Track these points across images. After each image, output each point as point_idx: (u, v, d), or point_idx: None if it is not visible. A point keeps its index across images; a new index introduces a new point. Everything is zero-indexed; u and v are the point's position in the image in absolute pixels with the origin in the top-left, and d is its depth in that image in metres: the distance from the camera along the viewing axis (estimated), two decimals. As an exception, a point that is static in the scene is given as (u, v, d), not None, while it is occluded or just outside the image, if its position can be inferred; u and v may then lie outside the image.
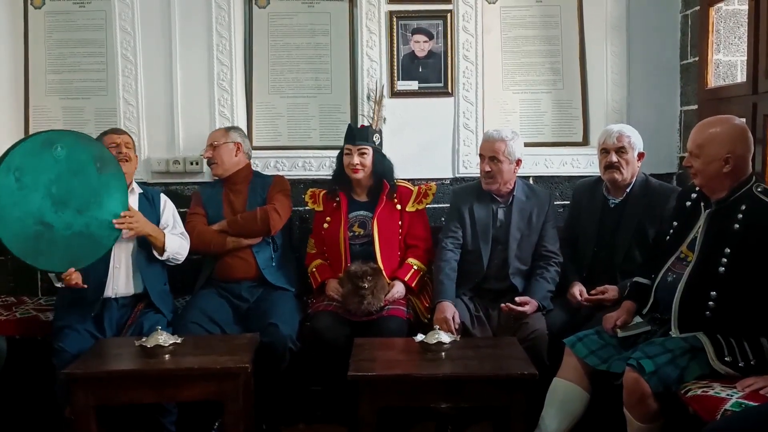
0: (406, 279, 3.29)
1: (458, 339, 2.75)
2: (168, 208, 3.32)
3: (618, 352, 2.63)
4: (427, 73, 3.84)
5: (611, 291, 3.09)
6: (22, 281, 3.78)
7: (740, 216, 2.42)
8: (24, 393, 3.36)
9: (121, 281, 3.12)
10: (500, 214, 3.29)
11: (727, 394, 2.23)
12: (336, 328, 3.11)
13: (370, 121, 3.65)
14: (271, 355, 3.01)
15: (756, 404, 2.14)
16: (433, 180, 3.74)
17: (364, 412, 2.53)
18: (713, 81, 3.48)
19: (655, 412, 2.39)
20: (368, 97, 3.76)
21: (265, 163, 3.80)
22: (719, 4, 3.44)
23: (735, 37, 3.47)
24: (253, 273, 3.37)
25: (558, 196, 3.75)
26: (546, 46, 3.91)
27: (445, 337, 2.66)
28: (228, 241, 3.36)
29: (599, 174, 3.29)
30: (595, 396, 2.69)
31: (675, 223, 2.70)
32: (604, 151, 3.19)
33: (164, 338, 2.65)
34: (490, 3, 3.88)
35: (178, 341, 2.68)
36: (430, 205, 3.50)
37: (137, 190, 3.26)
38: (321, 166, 3.81)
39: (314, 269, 3.41)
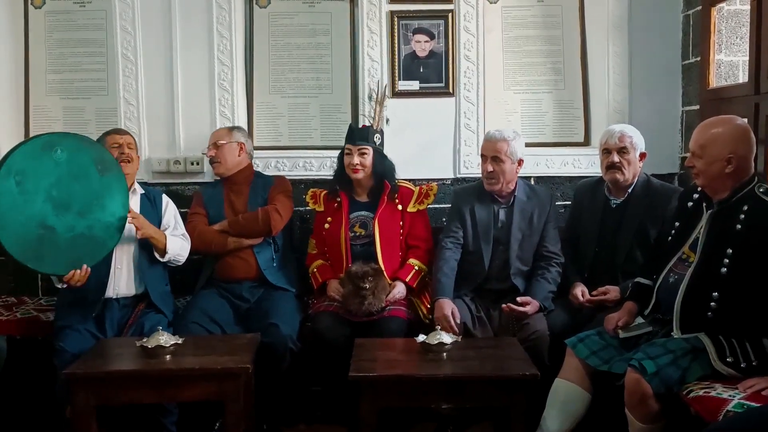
0: (407, 279, 3.29)
1: (459, 339, 2.74)
2: (170, 209, 3.31)
3: (619, 353, 2.63)
4: (428, 73, 3.83)
5: (613, 292, 3.09)
6: (22, 281, 3.78)
7: (742, 216, 2.42)
8: (24, 393, 3.35)
9: (122, 282, 3.12)
10: (501, 214, 3.29)
11: (729, 395, 2.23)
12: (337, 329, 3.10)
13: (371, 121, 3.64)
14: (271, 356, 3.00)
15: (758, 405, 2.13)
16: (434, 180, 3.73)
17: (364, 412, 2.53)
18: (715, 81, 3.47)
19: (657, 412, 2.38)
20: (370, 98, 3.75)
21: (265, 163, 3.79)
22: (721, 4, 3.43)
23: (737, 37, 3.45)
24: (254, 273, 3.37)
25: (559, 197, 3.75)
26: (547, 46, 3.90)
27: (447, 338, 2.66)
28: (229, 241, 3.36)
29: (600, 174, 3.29)
30: (596, 397, 2.69)
31: (677, 224, 2.69)
32: (606, 151, 3.19)
33: (165, 338, 2.65)
34: (491, 3, 3.87)
35: (179, 341, 2.68)
36: (431, 206, 3.50)
37: (139, 190, 3.26)
38: (322, 166, 3.80)
39: (315, 269, 3.41)
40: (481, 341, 2.99)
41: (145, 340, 2.67)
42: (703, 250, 2.50)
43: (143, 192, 3.27)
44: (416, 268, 3.33)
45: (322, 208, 3.48)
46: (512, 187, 3.28)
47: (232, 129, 3.56)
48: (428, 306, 3.29)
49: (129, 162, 3.18)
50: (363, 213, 3.41)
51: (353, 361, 2.62)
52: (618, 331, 2.70)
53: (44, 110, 3.87)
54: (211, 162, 3.48)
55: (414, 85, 3.83)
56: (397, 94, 3.81)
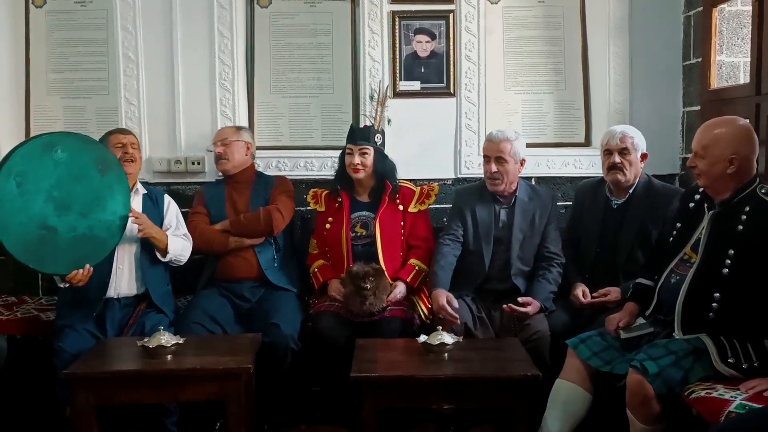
0: (408, 280, 3.28)
1: (461, 340, 2.74)
2: (171, 209, 3.31)
3: (621, 354, 2.62)
4: (429, 73, 3.83)
5: (613, 293, 3.08)
6: (23, 281, 3.77)
7: (744, 217, 2.42)
8: (24, 393, 3.35)
9: (123, 282, 3.12)
10: (503, 214, 3.29)
11: (731, 396, 2.22)
12: (338, 329, 3.10)
13: (372, 121, 3.64)
14: (272, 356, 3.00)
15: (760, 406, 2.13)
16: (435, 180, 3.73)
17: (366, 413, 2.53)
18: (716, 82, 3.47)
19: (659, 414, 2.38)
20: (371, 98, 3.75)
21: (266, 163, 3.79)
22: (722, 5, 3.43)
23: (738, 38, 3.45)
24: (255, 273, 3.37)
25: (560, 197, 3.74)
26: (548, 47, 3.90)
27: (448, 338, 2.66)
28: (230, 240, 3.36)
29: (601, 175, 3.29)
30: (597, 397, 2.68)
31: (678, 225, 2.69)
32: (607, 152, 3.19)
33: (166, 338, 2.65)
34: (492, 3, 3.87)
35: (180, 341, 2.68)
36: (432, 206, 3.49)
37: (141, 190, 3.25)
38: (323, 166, 3.80)
39: (316, 270, 3.41)
40: (483, 342, 2.99)
41: (146, 339, 2.67)
42: (705, 251, 2.50)
43: (145, 192, 3.27)
44: (417, 268, 3.32)
45: (323, 208, 3.47)
46: (514, 188, 3.28)
47: (240, 128, 3.58)
48: (429, 306, 3.29)
49: (132, 162, 3.18)
50: (364, 213, 3.41)
51: (354, 361, 2.62)
52: (619, 332, 2.70)
53: (45, 110, 3.87)
54: (218, 159, 3.48)
55: (415, 85, 3.83)
56: (398, 94, 3.80)
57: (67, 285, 2.93)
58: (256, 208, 3.40)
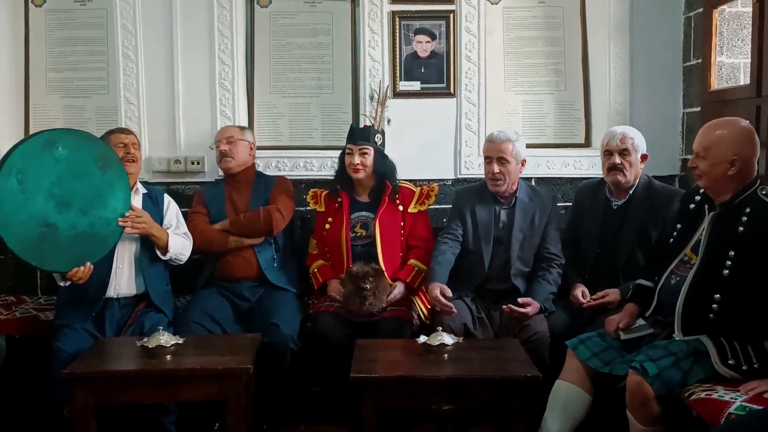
0: (407, 280, 3.28)
1: (461, 340, 2.74)
2: (171, 208, 3.31)
3: (620, 355, 2.62)
4: (430, 73, 3.83)
5: (611, 294, 3.08)
6: (21, 280, 3.77)
7: (745, 219, 2.42)
8: (23, 392, 3.34)
9: (123, 281, 3.11)
10: (503, 215, 3.29)
11: (731, 398, 2.22)
12: (337, 329, 3.10)
13: (372, 122, 3.64)
14: (272, 356, 3.00)
15: (760, 408, 2.13)
16: (434, 181, 3.73)
17: (366, 413, 2.53)
18: (716, 83, 3.47)
19: (658, 415, 2.38)
20: (371, 98, 3.75)
21: (266, 163, 3.78)
22: (723, 6, 3.42)
23: (738, 39, 3.45)
24: (255, 273, 3.36)
25: (560, 198, 3.74)
26: (548, 48, 3.90)
27: (448, 339, 2.65)
28: (230, 240, 3.36)
29: (602, 176, 3.29)
30: (597, 398, 2.68)
31: (678, 226, 2.69)
32: (608, 152, 3.18)
33: (166, 338, 2.64)
34: (492, 4, 3.87)
35: (180, 341, 2.67)
36: (432, 206, 3.49)
37: (141, 190, 3.25)
38: (322, 166, 3.80)
39: (316, 270, 3.40)
40: (482, 342, 2.99)
41: (145, 339, 2.66)
42: (705, 252, 2.50)
43: (145, 191, 3.26)
44: (417, 268, 3.32)
45: (322, 209, 3.47)
46: (515, 188, 3.28)
47: (243, 128, 3.59)
48: (428, 307, 3.30)
49: (134, 162, 3.18)
50: (364, 213, 3.41)
51: (354, 361, 2.62)
52: (619, 333, 2.70)
53: (44, 109, 3.86)
54: (222, 157, 3.47)
55: (415, 85, 3.82)
56: (398, 94, 3.80)
57: (67, 283, 2.93)
58: (256, 208, 3.40)
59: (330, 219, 3.41)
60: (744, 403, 2.18)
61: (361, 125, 3.58)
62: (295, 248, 3.62)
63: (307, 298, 3.46)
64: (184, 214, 3.42)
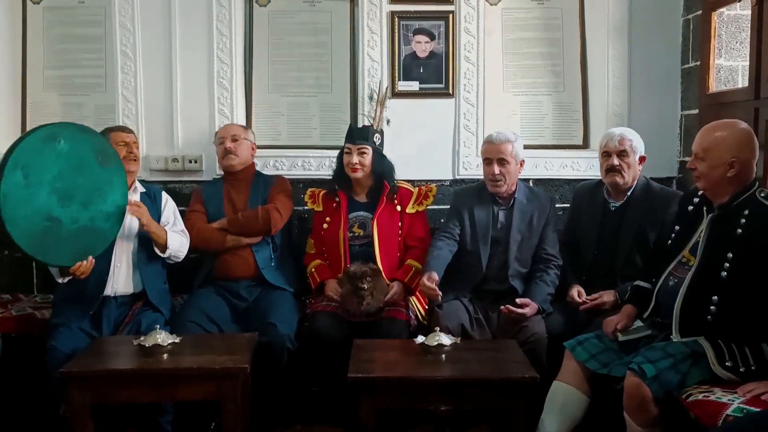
0: (405, 280, 3.27)
1: (458, 341, 2.73)
2: (169, 206, 3.31)
3: (618, 357, 2.62)
4: (428, 73, 3.83)
5: (606, 296, 3.09)
6: (18, 278, 3.75)
7: (743, 221, 2.42)
8: (19, 391, 3.33)
9: (121, 279, 3.11)
10: (501, 216, 3.29)
11: (729, 399, 2.22)
12: (335, 329, 3.10)
13: (371, 121, 3.63)
14: (269, 355, 2.99)
15: (758, 410, 2.13)
16: (433, 181, 3.73)
17: (363, 413, 2.52)
18: (715, 86, 3.48)
19: (656, 417, 2.38)
20: (371, 98, 3.74)
21: (264, 162, 3.78)
22: (721, 9, 3.43)
23: (737, 42, 3.46)
24: (252, 272, 3.36)
25: (558, 199, 3.74)
26: (547, 49, 3.90)
27: (446, 339, 2.65)
28: (228, 239, 3.35)
29: (599, 177, 3.29)
30: (594, 400, 2.68)
31: (677, 227, 2.69)
32: (606, 154, 3.19)
33: (163, 337, 2.64)
34: (491, 4, 3.87)
35: (177, 340, 2.67)
36: (430, 207, 3.49)
37: (140, 188, 3.25)
38: (321, 165, 3.79)
39: (313, 269, 3.40)
40: (480, 343, 2.99)
41: (142, 338, 2.66)
42: (704, 254, 2.50)
43: (144, 190, 3.26)
44: (414, 268, 3.31)
45: (320, 208, 3.47)
46: (514, 189, 3.28)
47: (246, 128, 3.60)
48: (426, 307, 3.29)
49: (135, 161, 3.19)
50: (362, 213, 3.40)
51: (352, 361, 2.62)
52: (617, 334, 2.70)
53: (42, 106, 3.85)
54: (226, 154, 3.46)
55: (414, 85, 3.82)
56: (396, 94, 3.80)
57: (66, 280, 2.93)
58: (254, 207, 3.39)
59: (328, 219, 3.41)
60: (741, 405, 2.18)
61: (360, 125, 3.58)
62: (293, 248, 3.62)
63: (304, 298, 3.45)
64: (182, 213, 3.41)
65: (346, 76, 3.88)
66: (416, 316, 3.25)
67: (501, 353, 2.77)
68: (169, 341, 2.64)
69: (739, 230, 2.41)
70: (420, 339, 2.69)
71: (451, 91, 3.81)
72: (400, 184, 3.47)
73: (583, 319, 3.08)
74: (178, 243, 3.19)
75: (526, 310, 3.06)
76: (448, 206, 3.48)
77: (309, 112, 3.91)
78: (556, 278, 3.24)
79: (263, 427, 3.11)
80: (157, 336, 2.64)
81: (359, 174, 3.35)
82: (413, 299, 3.31)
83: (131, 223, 3.05)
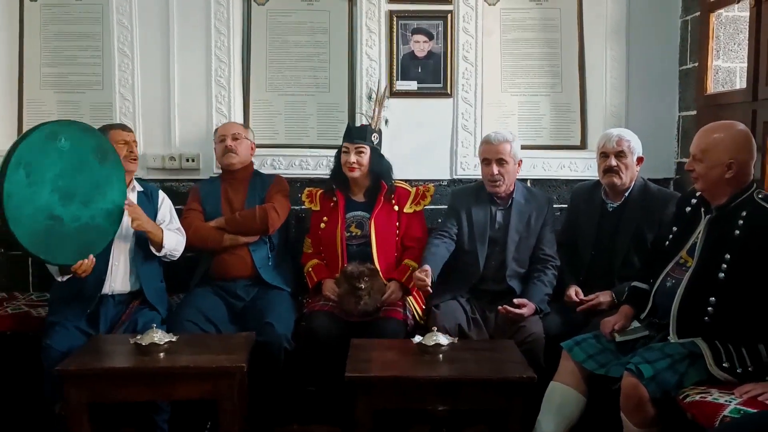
0: (403, 280, 3.27)
1: (456, 341, 2.73)
2: (165, 204, 3.31)
3: (616, 357, 2.63)
4: (426, 73, 3.83)
5: (603, 296, 3.09)
6: (13, 277, 3.75)
7: (741, 222, 2.42)
8: (15, 389, 3.31)
9: (118, 278, 3.10)
10: (499, 216, 3.29)
11: (726, 400, 2.22)
12: (332, 328, 3.09)
13: (369, 121, 3.63)
14: (266, 355, 2.98)
15: (754, 411, 2.14)
16: (430, 181, 3.73)
17: (360, 413, 2.52)
18: (712, 87, 3.48)
19: (653, 417, 2.38)
20: (369, 97, 3.74)
21: (261, 162, 3.77)
22: (719, 11, 3.44)
23: (734, 44, 3.47)
24: (249, 272, 3.35)
25: (555, 200, 3.73)
26: (545, 49, 3.90)
27: (443, 339, 2.65)
28: (225, 238, 3.34)
29: (597, 178, 3.29)
30: (591, 400, 2.68)
31: (674, 229, 2.69)
32: (604, 154, 3.19)
33: (159, 336, 2.63)
34: (490, 5, 3.86)
35: (173, 339, 2.66)
36: (427, 207, 3.48)
37: (138, 188, 3.24)
38: (318, 165, 3.79)
39: (310, 269, 3.39)
40: (478, 343, 2.99)
41: (139, 337, 2.65)
42: (701, 255, 2.50)
43: (141, 189, 3.25)
44: (412, 268, 3.30)
45: (318, 208, 3.46)
46: (512, 189, 3.28)
47: (246, 127, 3.60)
48: (423, 307, 3.29)
49: (135, 160, 3.20)
50: (359, 213, 3.40)
51: (349, 361, 2.61)
52: (614, 335, 2.70)
53: (38, 104, 3.84)
54: (226, 152, 3.44)
55: (412, 85, 3.82)
56: (394, 94, 3.79)
57: (65, 278, 2.92)
58: (251, 206, 3.39)
59: (325, 218, 3.40)
60: (738, 406, 2.18)
61: (358, 124, 3.57)
62: (290, 247, 3.61)
63: (301, 298, 3.45)
64: (179, 212, 3.40)
65: (344, 76, 3.87)
66: (413, 315, 3.24)
67: (498, 353, 2.77)
68: (166, 340, 2.63)
69: (737, 232, 2.42)
70: (417, 339, 2.69)
71: (449, 91, 3.81)
72: (398, 184, 3.47)
73: (580, 320, 3.08)
74: (174, 242, 3.19)
75: (524, 311, 3.06)
76: (446, 206, 3.48)
77: (307, 112, 3.90)
78: (554, 278, 3.24)
79: (260, 426, 3.10)
80: (154, 335, 2.63)
81: (356, 173, 3.35)
82: (410, 299, 3.30)
83: (129, 221, 3.04)
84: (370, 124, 3.52)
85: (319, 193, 3.49)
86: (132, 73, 3.74)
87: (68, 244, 2.80)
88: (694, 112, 3.60)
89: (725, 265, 2.41)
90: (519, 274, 3.26)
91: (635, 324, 2.72)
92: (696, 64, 3.58)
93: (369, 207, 3.39)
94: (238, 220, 3.35)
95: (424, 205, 3.45)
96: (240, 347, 2.75)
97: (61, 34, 3.83)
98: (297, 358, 3.13)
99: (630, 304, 2.78)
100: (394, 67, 3.79)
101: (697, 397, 2.29)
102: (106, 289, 3.07)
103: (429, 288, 2.99)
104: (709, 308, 2.43)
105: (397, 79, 3.80)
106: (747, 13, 3.19)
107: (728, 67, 3.49)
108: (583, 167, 3.80)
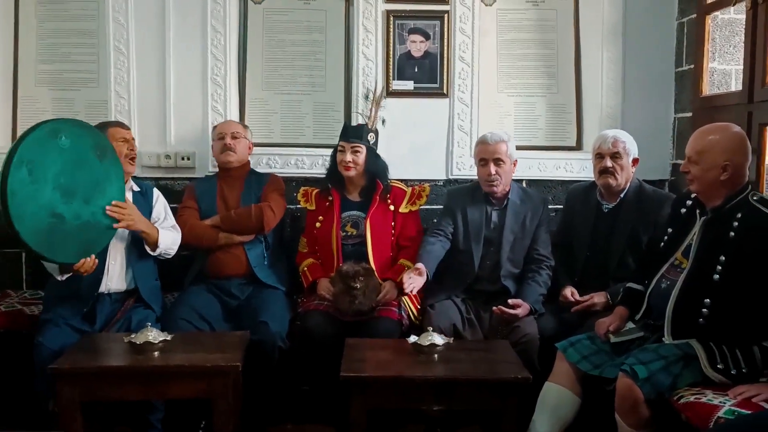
0: (398, 280, 3.26)
1: (451, 341, 2.73)
2: (160, 202, 3.30)
3: (610, 358, 2.63)
4: (423, 73, 3.82)
5: (597, 297, 3.09)
6: (6, 275, 3.73)
7: (736, 224, 2.43)
8: (8, 386, 3.30)
9: (115, 277, 3.09)
10: (494, 216, 3.29)
11: (720, 402, 2.23)
12: (326, 328, 3.09)
13: (366, 120, 3.62)
14: (260, 354, 2.98)
15: (748, 412, 2.14)
16: (426, 181, 3.73)
17: (355, 412, 2.51)
18: (708, 89, 3.50)
19: (647, 418, 2.38)
20: (366, 97, 3.74)
21: (257, 160, 3.76)
22: (715, 13, 3.45)
23: (730, 46, 3.48)
24: (244, 270, 3.35)
25: (551, 200, 3.74)
26: (542, 50, 3.90)
27: (438, 339, 2.65)
28: (220, 236, 3.34)
29: (593, 179, 3.30)
30: (586, 401, 2.68)
31: (669, 230, 2.70)
32: (599, 155, 3.19)
33: (154, 335, 2.62)
34: (487, 5, 3.86)
35: (168, 338, 2.65)
36: (423, 207, 3.49)
37: (134, 188, 3.23)
38: (314, 164, 3.78)
39: (305, 268, 3.39)
40: (473, 343, 2.99)
41: (133, 336, 2.64)
42: (696, 257, 2.51)
43: (137, 189, 3.24)
44: (407, 268, 3.30)
45: (313, 207, 3.46)
46: (508, 189, 3.28)
47: (245, 127, 3.59)
48: (418, 307, 3.29)
49: (134, 159, 3.19)
50: (355, 212, 3.40)
51: (344, 361, 2.61)
52: (609, 336, 2.70)
53: (33, 101, 3.82)
54: (224, 150, 3.44)
55: (408, 85, 3.82)
56: (391, 93, 3.79)
57: (65, 277, 2.91)
58: (247, 205, 3.38)
59: (320, 217, 3.40)
60: (733, 408, 2.18)
61: (354, 123, 3.57)
62: (285, 246, 3.61)
63: (296, 297, 3.44)
64: (174, 210, 3.39)
65: (340, 75, 3.86)
66: (408, 315, 3.23)
67: (493, 354, 2.77)
68: (161, 338, 2.62)
69: (732, 233, 2.42)
70: (412, 338, 2.68)
71: (445, 91, 3.81)
72: (394, 184, 3.47)
73: (575, 321, 3.08)
74: (170, 240, 3.18)
75: (518, 311, 3.07)
76: (442, 206, 3.48)
77: (302, 111, 3.89)
78: (548, 279, 3.24)
79: (254, 425, 3.10)
80: (148, 333, 2.62)
81: (352, 172, 3.35)
82: (405, 299, 3.29)
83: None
84: (366, 124, 3.52)
85: (314, 193, 3.49)
86: (128, 70, 3.73)
87: (70, 242, 2.78)
88: (689, 114, 3.61)
89: (720, 267, 2.42)
90: (514, 275, 3.27)
91: (630, 325, 2.73)
92: (692, 66, 3.59)
93: (364, 206, 3.39)
94: (234, 218, 3.35)
95: (420, 205, 3.46)
96: (235, 346, 2.74)
97: (56, 31, 3.81)
98: (291, 358, 3.13)
99: (625, 305, 2.78)
100: (391, 67, 3.79)
101: (692, 399, 2.30)
102: (103, 288, 3.05)
103: (412, 288, 2.96)
104: (704, 310, 2.43)
105: (394, 79, 3.79)
106: (743, 16, 3.20)
107: (724, 69, 3.50)
108: (578, 168, 3.81)
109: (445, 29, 3.79)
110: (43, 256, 2.75)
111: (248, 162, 3.57)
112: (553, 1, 3.86)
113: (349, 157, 3.32)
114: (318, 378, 3.11)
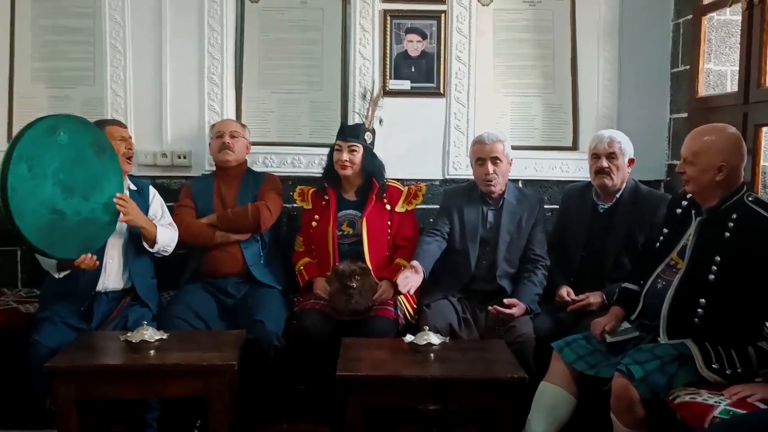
0: (394, 279, 3.26)
1: (447, 340, 2.73)
2: (156, 199, 3.30)
3: (606, 358, 2.63)
4: (419, 73, 3.83)
5: (593, 297, 3.10)
6: (2, 273, 3.72)
7: (731, 225, 2.43)
8: (4, 384, 3.29)
9: (112, 275, 3.09)
10: (490, 216, 3.30)
11: (715, 402, 2.24)
12: (322, 327, 3.09)
13: (363, 120, 3.62)
14: (256, 352, 2.98)
15: (744, 412, 2.15)
16: (422, 181, 3.73)
17: (351, 412, 2.52)
18: (704, 90, 3.50)
19: (643, 418, 2.39)
20: (363, 96, 3.74)
21: (253, 159, 3.75)
22: (711, 14, 3.46)
23: (726, 47, 3.49)
24: (240, 269, 3.35)
25: (547, 201, 3.74)
26: (538, 50, 3.90)
27: (434, 339, 2.65)
28: (216, 235, 3.34)
29: (588, 179, 3.30)
30: (582, 401, 2.69)
31: (665, 230, 2.70)
32: (595, 156, 3.20)
33: (150, 333, 2.62)
34: (483, 5, 3.86)
35: (164, 337, 2.64)
36: (419, 206, 3.49)
37: (131, 186, 3.23)
38: (310, 163, 3.78)
39: (302, 267, 3.39)
40: (469, 343, 2.99)
41: (129, 334, 2.63)
42: (692, 257, 2.51)
43: (134, 188, 3.23)
44: (403, 268, 3.31)
45: (309, 206, 3.46)
46: (504, 189, 3.29)
47: (244, 126, 3.59)
48: (414, 306, 3.29)
49: (131, 159, 3.19)
50: (351, 212, 3.40)
51: (340, 360, 2.61)
52: (605, 336, 2.71)
53: (29, 99, 3.81)
54: (223, 148, 3.44)
55: (405, 84, 3.82)
56: (387, 93, 3.79)
57: (63, 275, 2.91)
58: (244, 204, 3.38)
59: (317, 216, 3.40)
60: (728, 407, 2.19)
61: (351, 123, 3.57)
62: (282, 245, 3.61)
63: (292, 296, 3.44)
64: (170, 209, 3.39)
65: (337, 74, 3.86)
66: (404, 315, 3.24)
67: (489, 353, 2.77)
68: (156, 337, 2.62)
69: (727, 234, 2.43)
70: (409, 338, 2.69)
71: (442, 91, 3.81)
72: (390, 183, 3.47)
73: (570, 320, 3.09)
74: (167, 237, 3.18)
75: (514, 311, 3.07)
76: (438, 206, 3.48)
77: (299, 110, 3.89)
78: (544, 279, 3.25)
79: (249, 424, 3.10)
80: (144, 332, 2.62)
81: (348, 171, 3.35)
82: (402, 298, 3.29)
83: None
84: (363, 123, 3.52)
85: (310, 192, 3.49)
86: (124, 68, 3.72)
87: (71, 238, 2.78)
88: (685, 115, 3.62)
89: (715, 267, 2.42)
90: (509, 274, 3.27)
91: (625, 325, 2.73)
92: (687, 67, 3.60)
93: (361, 206, 3.39)
94: (230, 217, 3.35)
95: (416, 205, 3.46)
96: (231, 345, 2.74)
97: (52, 29, 3.80)
98: (287, 357, 3.13)
99: (620, 305, 2.79)
100: (388, 66, 3.79)
101: (687, 398, 2.30)
102: (100, 287, 3.05)
103: (409, 288, 2.97)
104: (699, 310, 2.44)
105: (390, 78, 3.80)
106: (738, 17, 3.21)
107: (719, 70, 3.51)
108: (574, 168, 3.82)
109: (442, 29, 3.79)
110: (45, 252, 2.75)
111: (245, 161, 3.57)
112: (549, 1, 3.87)
113: (345, 156, 3.32)
114: (314, 377, 3.11)
